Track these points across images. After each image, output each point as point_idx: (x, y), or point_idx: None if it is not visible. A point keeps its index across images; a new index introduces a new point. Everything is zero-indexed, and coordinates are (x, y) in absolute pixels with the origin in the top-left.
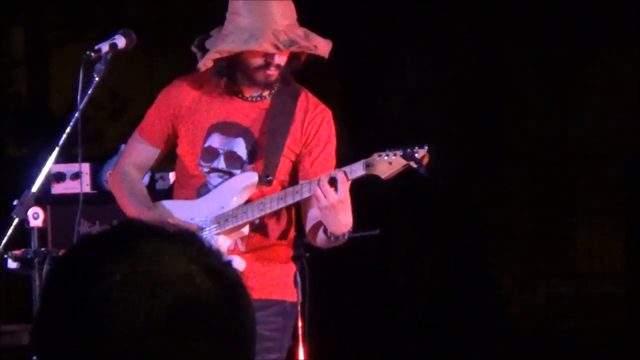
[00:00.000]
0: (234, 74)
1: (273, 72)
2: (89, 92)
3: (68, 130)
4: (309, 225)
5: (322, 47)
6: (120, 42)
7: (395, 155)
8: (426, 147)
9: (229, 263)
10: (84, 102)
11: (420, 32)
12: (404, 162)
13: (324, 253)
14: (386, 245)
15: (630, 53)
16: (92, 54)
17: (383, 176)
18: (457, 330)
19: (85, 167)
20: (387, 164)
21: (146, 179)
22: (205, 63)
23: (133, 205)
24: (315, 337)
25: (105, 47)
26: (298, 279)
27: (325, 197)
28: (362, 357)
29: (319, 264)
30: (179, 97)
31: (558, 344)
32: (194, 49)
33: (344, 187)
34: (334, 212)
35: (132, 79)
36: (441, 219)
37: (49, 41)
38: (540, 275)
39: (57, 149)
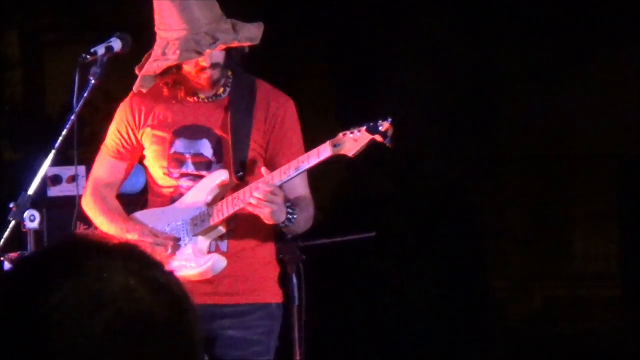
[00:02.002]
0: (181, 83)
1: (213, 73)
2: (85, 95)
3: (64, 133)
4: None
5: (251, 35)
6: (117, 45)
7: (360, 131)
8: (390, 119)
9: (172, 274)
10: (80, 105)
11: (415, 33)
12: (369, 136)
13: (320, 256)
14: (382, 248)
15: (624, 54)
16: (88, 57)
17: (350, 154)
18: (453, 333)
19: (82, 170)
20: (353, 141)
21: (143, 182)
22: (142, 85)
23: (108, 222)
24: (311, 340)
25: (101, 50)
26: (294, 281)
27: (272, 207)
28: (358, 359)
29: (315, 267)
30: (138, 109)
31: (555, 346)
32: (137, 70)
33: (280, 194)
34: (276, 214)
35: (127, 82)
36: (437, 222)
37: (44, 44)
38: (537, 277)
39: (53, 152)
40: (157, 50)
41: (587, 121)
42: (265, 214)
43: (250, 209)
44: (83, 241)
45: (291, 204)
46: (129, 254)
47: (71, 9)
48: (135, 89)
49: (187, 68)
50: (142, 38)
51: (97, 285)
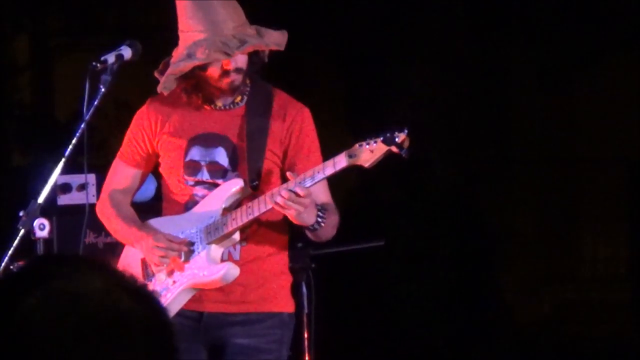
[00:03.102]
0: (200, 87)
1: (235, 77)
2: (95, 102)
3: (74, 141)
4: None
5: (276, 40)
6: (127, 52)
7: (376, 142)
8: (406, 131)
9: (145, 285)
10: (90, 113)
11: (424, 37)
12: (385, 147)
13: (329, 264)
14: (391, 254)
15: (633, 57)
16: (98, 64)
17: (366, 165)
18: (462, 337)
19: (92, 178)
20: (369, 152)
21: (153, 190)
22: (165, 86)
23: (122, 228)
24: (321, 347)
25: (111, 58)
26: (304, 290)
27: (297, 208)
28: None
29: (325, 275)
30: (154, 116)
31: (563, 349)
32: (157, 74)
33: (307, 193)
34: (305, 214)
35: (137, 88)
36: (445, 226)
37: (53, 48)
38: (545, 281)
39: (63, 160)
40: (181, 51)
41: (596, 124)
42: (291, 214)
43: (278, 209)
44: (59, 254)
45: (321, 207)
46: (105, 266)
47: (80, 13)
48: (159, 89)
49: (211, 70)
50: (151, 43)
51: (75, 286)
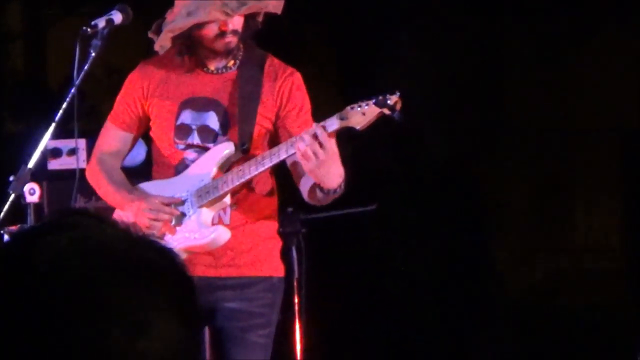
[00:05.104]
0: (194, 49)
1: (231, 39)
2: (86, 67)
3: (64, 105)
4: (305, 188)
5: (274, 3)
6: (117, 17)
7: (367, 105)
8: (398, 93)
9: (168, 247)
10: (80, 77)
11: (417, 7)
12: (377, 110)
13: (320, 229)
14: (383, 221)
15: (630, 27)
16: (89, 29)
17: (358, 127)
18: (454, 305)
19: (82, 143)
20: (361, 114)
21: (143, 154)
22: (161, 45)
23: (112, 191)
24: (311, 312)
25: (102, 22)
26: (294, 254)
27: (315, 156)
28: (358, 332)
29: (315, 240)
30: (146, 79)
31: (556, 318)
32: (150, 34)
33: (329, 140)
34: (326, 168)
35: (128, 54)
36: (438, 194)
37: (46, 16)
38: (538, 250)
39: (53, 124)
40: (179, 10)
41: (590, 94)
42: (312, 164)
43: (299, 154)
44: (79, 209)
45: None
46: (126, 225)
47: None
48: (156, 47)
49: (208, 30)
50: (143, 11)
51: (101, 235)
